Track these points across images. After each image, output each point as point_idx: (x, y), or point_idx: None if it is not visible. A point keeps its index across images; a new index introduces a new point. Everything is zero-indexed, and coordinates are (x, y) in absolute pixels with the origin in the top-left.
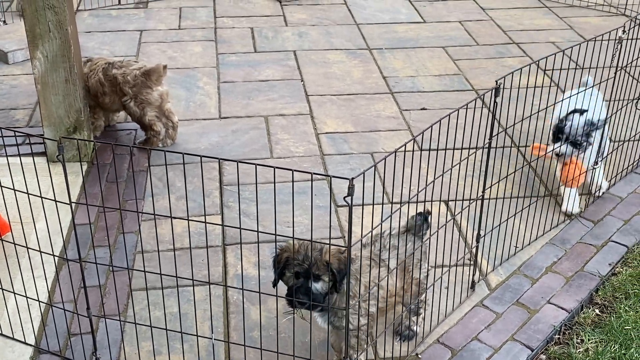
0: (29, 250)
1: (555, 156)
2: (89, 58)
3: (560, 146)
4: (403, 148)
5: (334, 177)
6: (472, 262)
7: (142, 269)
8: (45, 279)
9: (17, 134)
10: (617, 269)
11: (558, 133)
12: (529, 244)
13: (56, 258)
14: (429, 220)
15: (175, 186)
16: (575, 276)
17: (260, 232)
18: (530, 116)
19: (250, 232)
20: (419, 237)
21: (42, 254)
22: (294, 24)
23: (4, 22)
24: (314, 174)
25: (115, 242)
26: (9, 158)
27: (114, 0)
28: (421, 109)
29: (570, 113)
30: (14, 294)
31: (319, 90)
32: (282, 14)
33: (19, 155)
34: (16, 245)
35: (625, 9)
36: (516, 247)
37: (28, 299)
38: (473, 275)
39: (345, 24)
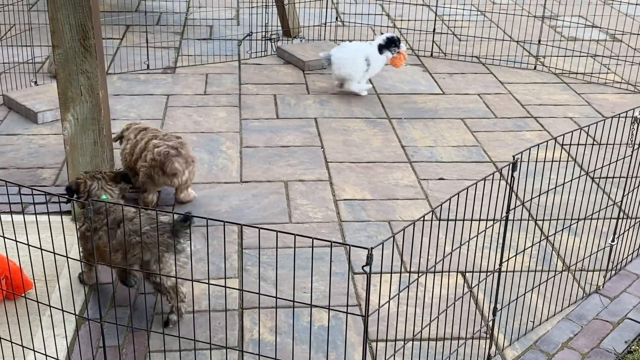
0: (51, 308)
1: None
2: (145, 127)
3: None
4: (421, 219)
5: (352, 246)
6: (488, 336)
7: (161, 331)
8: (66, 337)
9: (46, 193)
10: (633, 347)
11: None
12: (546, 320)
13: (76, 317)
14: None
15: (195, 248)
16: (591, 353)
17: (279, 298)
18: (547, 191)
19: (267, 297)
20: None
21: (64, 312)
22: (316, 92)
23: (36, 82)
24: (333, 242)
25: (135, 303)
26: (37, 216)
27: (142, 65)
28: (439, 179)
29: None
30: (34, 351)
31: (338, 157)
32: (304, 82)
33: (47, 213)
34: (39, 303)
35: None
36: (533, 321)
37: (47, 357)
38: (489, 349)
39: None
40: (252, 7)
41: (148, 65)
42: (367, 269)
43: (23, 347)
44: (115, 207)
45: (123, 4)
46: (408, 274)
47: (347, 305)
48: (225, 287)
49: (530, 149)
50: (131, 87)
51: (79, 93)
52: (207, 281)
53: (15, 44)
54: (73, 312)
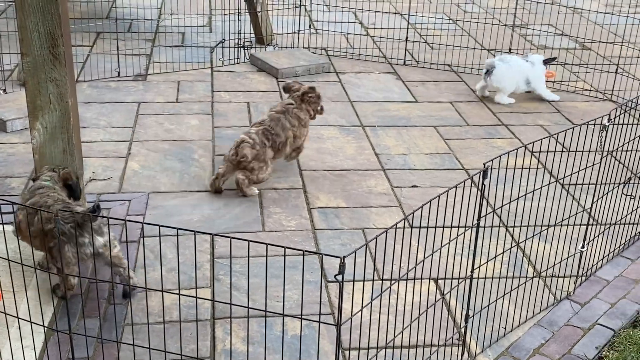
0: (19, 319)
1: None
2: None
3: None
4: (394, 227)
5: (325, 254)
6: (460, 343)
7: (131, 342)
8: (34, 349)
9: (13, 203)
10: (604, 353)
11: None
12: (518, 326)
13: (45, 328)
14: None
15: (167, 258)
16: (563, 359)
17: (251, 308)
18: (518, 198)
19: (239, 307)
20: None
21: (32, 324)
22: None
23: (4, 90)
24: (306, 251)
25: (105, 314)
26: (4, 226)
27: (113, 72)
28: (412, 187)
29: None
30: None
31: (312, 165)
32: (278, 89)
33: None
34: (6, 315)
35: (612, 94)
36: (505, 328)
37: None
38: (462, 356)
39: (339, 101)
40: (224, 15)
41: (119, 73)
42: (339, 277)
43: None
44: (45, 193)
45: (94, 11)
46: (381, 282)
47: (320, 314)
48: (196, 297)
49: (500, 156)
50: (101, 94)
51: (48, 101)
52: (177, 292)
53: None
54: (42, 324)
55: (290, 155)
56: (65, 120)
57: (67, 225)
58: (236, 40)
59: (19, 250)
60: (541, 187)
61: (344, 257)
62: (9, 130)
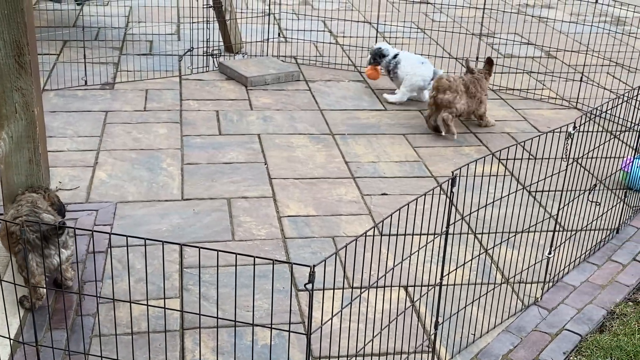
0: None
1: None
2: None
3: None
4: (364, 235)
5: (295, 263)
6: (430, 349)
7: (99, 354)
8: None
9: None
10: (572, 358)
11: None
12: (486, 332)
13: (11, 341)
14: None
15: (135, 268)
16: None
17: (220, 318)
18: (486, 205)
19: (209, 317)
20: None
21: None
22: (259, 108)
23: None
24: (275, 261)
25: (73, 325)
26: None
27: (80, 81)
28: (382, 194)
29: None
30: None
31: (282, 174)
32: (247, 98)
33: None
34: None
35: (577, 102)
36: (474, 334)
37: None
38: None
39: (309, 110)
40: (193, 22)
41: (86, 81)
42: (309, 286)
43: None
44: (23, 199)
45: (60, 19)
46: (351, 290)
47: (290, 323)
48: (165, 308)
49: (469, 164)
50: (68, 103)
51: (14, 110)
52: (146, 303)
53: None
54: (7, 336)
55: (479, 117)
56: (32, 129)
57: (32, 235)
58: (205, 49)
59: None
60: (508, 194)
61: (314, 265)
62: None
